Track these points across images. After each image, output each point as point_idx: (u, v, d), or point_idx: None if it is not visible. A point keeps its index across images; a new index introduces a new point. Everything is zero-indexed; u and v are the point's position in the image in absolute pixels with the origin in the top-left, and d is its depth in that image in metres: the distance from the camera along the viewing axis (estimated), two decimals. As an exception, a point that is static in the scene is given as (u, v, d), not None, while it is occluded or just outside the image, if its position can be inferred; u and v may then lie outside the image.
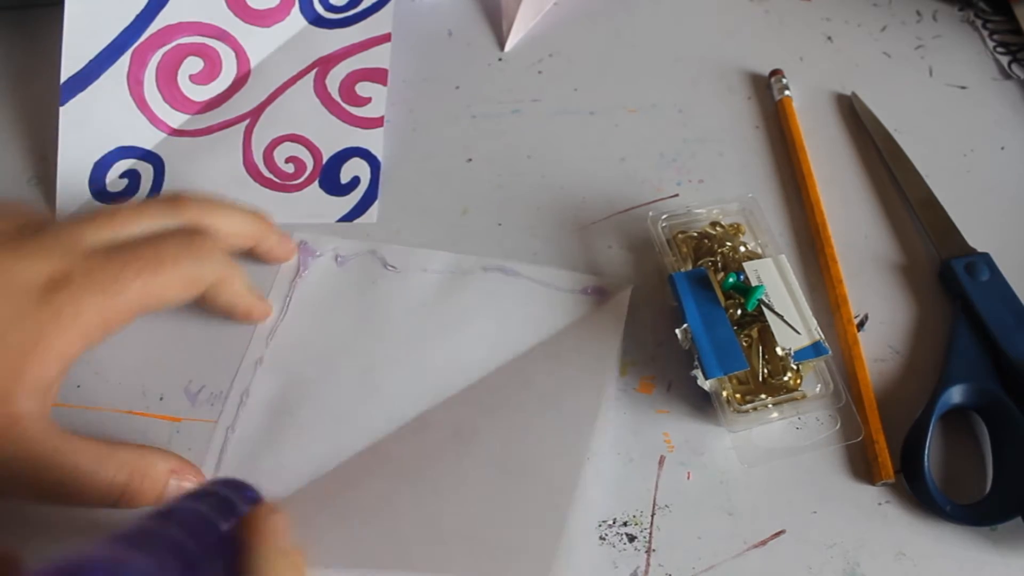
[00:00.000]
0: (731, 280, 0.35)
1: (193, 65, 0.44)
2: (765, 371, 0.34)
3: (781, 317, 0.34)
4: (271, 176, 0.42)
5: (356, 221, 0.41)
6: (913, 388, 0.35)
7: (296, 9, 0.45)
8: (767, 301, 0.34)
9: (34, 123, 0.45)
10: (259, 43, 0.45)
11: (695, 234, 0.38)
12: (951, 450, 0.34)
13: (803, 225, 0.41)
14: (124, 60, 0.42)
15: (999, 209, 0.41)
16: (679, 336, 0.34)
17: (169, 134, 0.43)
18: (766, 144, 0.44)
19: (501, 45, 0.48)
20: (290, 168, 0.43)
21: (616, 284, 0.39)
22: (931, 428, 0.33)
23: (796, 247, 0.40)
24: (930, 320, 0.38)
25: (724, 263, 0.36)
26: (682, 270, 0.36)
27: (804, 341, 0.33)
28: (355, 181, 0.42)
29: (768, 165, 0.43)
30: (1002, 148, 0.44)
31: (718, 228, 0.38)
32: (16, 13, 0.49)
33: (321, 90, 0.44)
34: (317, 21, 0.46)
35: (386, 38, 0.45)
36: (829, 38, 0.49)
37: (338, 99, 0.44)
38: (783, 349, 0.33)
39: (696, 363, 0.33)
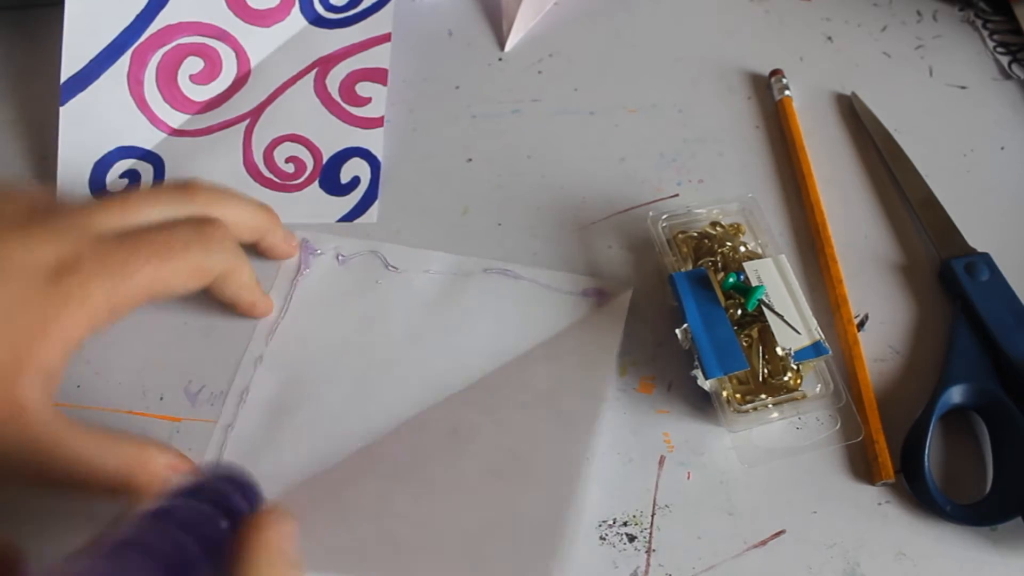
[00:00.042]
0: (731, 280, 0.35)
1: (193, 65, 0.44)
2: (765, 371, 0.34)
3: (781, 317, 0.34)
4: (271, 176, 0.42)
5: (356, 221, 0.41)
6: (913, 388, 0.35)
7: (296, 9, 0.45)
8: (767, 301, 0.34)
9: (34, 123, 0.45)
10: (259, 43, 0.45)
11: (695, 234, 0.38)
12: (951, 450, 0.34)
13: (803, 225, 0.41)
14: (124, 60, 0.42)
15: (999, 209, 0.41)
16: (679, 336, 0.34)
17: (169, 134, 0.43)
18: (766, 144, 0.44)
19: (501, 45, 0.48)
20: (290, 168, 0.43)
21: (616, 286, 0.39)
22: (931, 428, 0.33)
23: (796, 247, 0.40)
24: (930, 320, 0.38)
25: (724, 263, 0.36)
26: (682, 270, 0.36)
27: (804, 341, 0.33)
28: (355, 181, 0.42)
29: (768, 165, 0.43)
30: (1002, 148, 0.44)
31: (718, 228, 0.38)
32: (16, 13, 0.49)
33: (321, 90, 0.44)
34: (317, 21, 0.46)
35: (386, 38, 0.45)
36: (829, 38, 0.49)
37: (338, 99, 0.44)
38: (783, 349, 0.33)
39: (696, 363, 0.33)
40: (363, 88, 0.44)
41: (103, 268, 0.29)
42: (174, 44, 0.43)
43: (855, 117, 0.45)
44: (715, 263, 0.36)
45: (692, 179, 0.43)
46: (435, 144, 0.44)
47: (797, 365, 0.34)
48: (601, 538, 0.32)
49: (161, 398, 0.36)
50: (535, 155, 0.44)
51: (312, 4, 0.46)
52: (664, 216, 0.38)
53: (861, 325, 0.38)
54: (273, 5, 0.45)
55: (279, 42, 0.45)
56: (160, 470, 0.30)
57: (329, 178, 0.42)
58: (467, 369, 0.36)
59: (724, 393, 0.33)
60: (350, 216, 0.41)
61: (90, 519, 0.31)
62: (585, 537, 0.32)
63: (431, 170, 0.43)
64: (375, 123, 0.43)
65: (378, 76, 0.44)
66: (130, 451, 0.29)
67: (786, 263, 0.35)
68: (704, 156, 0.44)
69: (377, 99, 0.44)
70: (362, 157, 0.43)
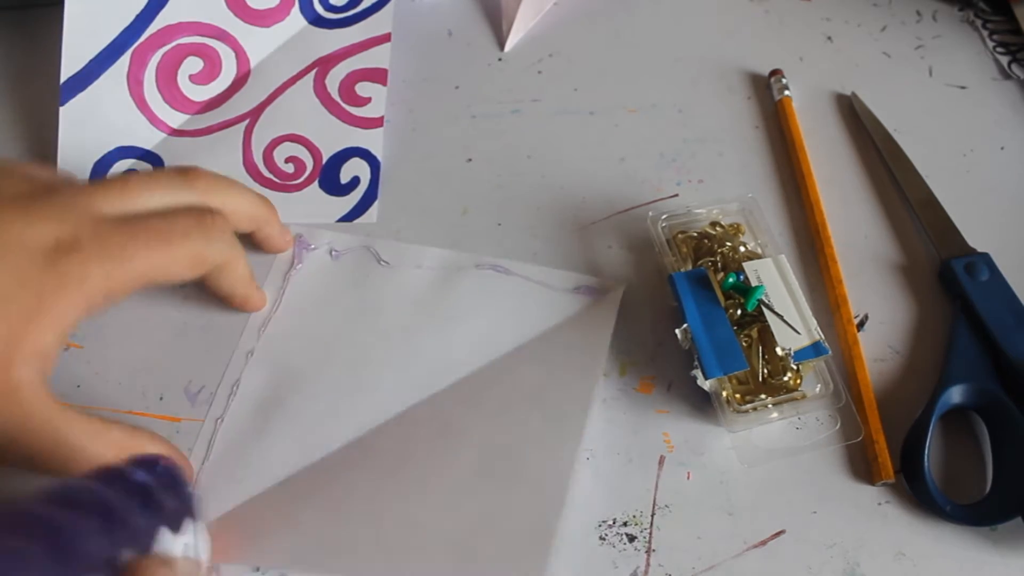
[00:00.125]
0: (731, 280, 0.35)
1: (193, 65, 0.44)
2: (765, 371, 0.34)
3: (781, 317, 0.34)
4: (271, 176, 0.42)
5: (356, 221, 0.41)
6: (913, 388, 0.35)
7: (296, 9, 0.45)
8: (767, 301, 0.34)
9: (34, 123, 0.45)
10: (259, 43, 0.45)
11: (695, 234, 0.38)
12: (951, 450, 0.34)
13: (803, 225, 0.41)
14: (124, 60, 0.42)
15: (999, 209, 0.41)
16: (679, 336, 0.34)
17: (169, 134, 0.43)
18: (766, 144, 0.44)
19: (501, 45, 0.48)
20: (290, 168, 0.43)
21: (608, 283, 0.39)
22: (931, 428, 0.33)
23: (796, 247, 0.40)
24: (930, 320, 0.38)
25: (724, 263, 0.36)
26: (682, 270, 0.36)
27: (804, 341, 0.33)
28: (355, 181, 0.42)
29: (768, 165, 0.43)
30: (1002, 148, 0.44)
31: (718, 228, 0.38)
32: (16, 13, 0.49)
33: (321, 90, 0.44)
34: (317, 21, 0.46)
35: (386, 38, 0.45)
36: (829, 38, 0.49)
37: (338, 99, 0.44)
38: (783, 349, 0.33)
39: (696, 363, 0.33)
40: (363, 88, 0.44)
41: (102, 250, 0.29)
42: (174, 44, 0.43)
43: (855, 117, 0.45)
44: (715, 263, 0.36)
45: (692, 179, 0.43)
46: (435, 144, 0.44)
47: (797, 365, 0.34)
48: (601, 538, 0.32)
49: (161, 398, 0.36)
50: (535, 155, 0.44)
51: (312, 4, 0.46)
52: (664, 216, 0.38)
53: (861, 325, 0.38)
54: (273, 5, 0.45)
55: (279, 42, 0.45)
56: None
57: (329, 178, 0.42)
58: (457, 365, 0.36)
59: (724, 393, 0.33)
60: (350, 216, 0.41)
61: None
62: (585, 537, 0.32)
63: (431, 170, 0.43)
64: (375, 123, 0.43)
65: (378, 76, 0.44)
66: (121, 437, 0.29)
67: (786, 263, 0.35)
68: (704, 156, 0.44)
69: (377, 99, 0.44)
70: (362, 157, 0.43)
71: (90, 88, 0.42)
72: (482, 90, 0.46)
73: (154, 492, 0.25)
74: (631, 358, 0.37)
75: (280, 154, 0.43)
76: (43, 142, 0.43)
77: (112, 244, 0.29)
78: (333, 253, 0.40)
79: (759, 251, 0.37)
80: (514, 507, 0.32)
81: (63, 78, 0.41)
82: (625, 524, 0.32)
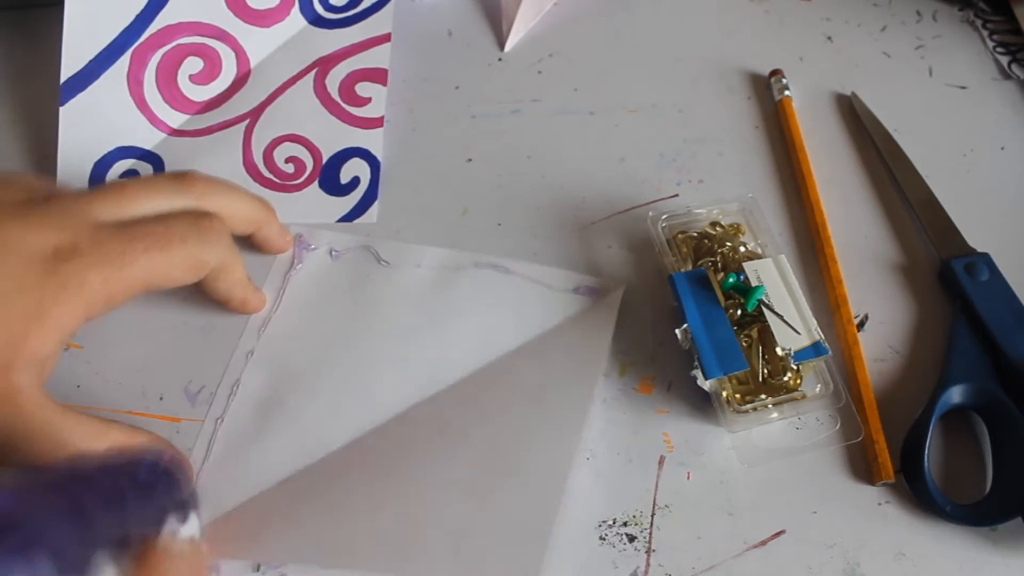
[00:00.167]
0: (731, 280, 0.35)
1: (193, 65, 0.44)
2: (765, 371, 0.34)
3: (781, 317, 0.34)
4: (271, 176, 0.42)
5: (356, 221, 0.41)
6: (913, 388, 0.35)
7: (296, 9, 0.45)
8: (767, 301, 0.34)
9: (34, 123, 0.45)
10: (259, 43, 0.45)
11: (695, 234, 0.38)
12: (951, 450, 0.34)
13: (803, 225, 0.41)
14: (124, 60, 0.42)
15: (999, 209, 0.41)
16: (679, 336, 0.34)
17: (169, 134, 0.43)
18: (766, 144, 0.44)
19: (501, 45, 0.48)
20: (290, 168, 0.43)
21: (608, 284, 0.39)
22: (931, 428, 0.33)
23: (796, 247, 0.40)
24: (930, 320, 0.38)
25: (724, 263, 0.36)
26: (682, 270, 0.36)
27: (804, 341, 0.33)
28: (355, 181, 0.42)
29: (768, 165, 0.43)
30: (1002, 148, 0.44)
31: (718, 228, 0.38)
32: (16, 13, 0.49)
33: (321, 90, 0.44)
34: (317, 21, 0.46)
35: (386, 38, 0.45)
36: (829, 38, 0.49)
37: (338, 99, 0.44)
38: (783, 349, 0.33)
39: (696, 363, 0.33)
40: (363, 88, 0.44)
41: (100, 256, 0.29)
42: (174, 44, 0.43)
43: (855, 117, 0.45)
44: (715, 263, 0.36)
45: (692, 179, 0.43)
46: (435, 144, 0.44)
47: (797, 365, 0.34)
48: (601, 538, 0.32)
49: (161, 398, 0.36)
50: (535, 155, 0.44)
51: (312, 4, 0.46)
52: (664, 216, 0.38)
53: (861, 325, 0.38)
54: (273, 5, 0.45)
55: (279, 42, 0.45)
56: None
57: (329, 178, 0.42)
58: (457, 365, 0.36)
59: (724, 393, 0.33)
60: (350, 216, 0.41)
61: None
62: (585, 537, 0.32)
63: (431, 170, 0.43)
64: (375, 123, 0.43)
65: (378, 76, 0.44)
66: (119, 437, 0.30)
67: (786, 263, 0.35)
68: (704, 156, 0.44)
69: (377, 99, 0.44)
70: (362, 157, 0.43)
71: (90, 88, 0.42)
72: (482, 90, 0.46)
73: (159, 484, 0.25)
74: (631, 358, 0.37)
75: (280, 154, 0.43)
76: (43, 142, 0.43)
77: (110, 250, 0.29)
78: (333, 253, 0.40)
79: (759, 251, 0.37)
80: (511, 507, 0.32)
81: (63, 78, 0.41)
82: (625, 524, 0.32)
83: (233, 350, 0.37)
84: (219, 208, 0.34)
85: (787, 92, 0.45)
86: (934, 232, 0.40)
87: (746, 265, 0.35)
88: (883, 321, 0.38)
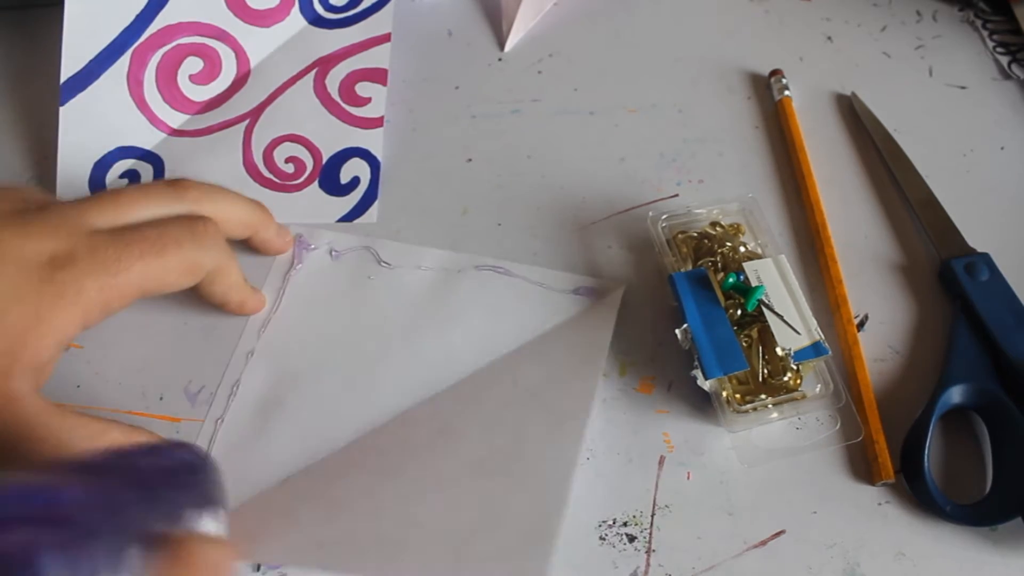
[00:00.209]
0: (731, 280, 0.35)
1: (193, 65, 0.44)
2: (765, 371, 0.34)
3: (781, 317, 0.34)
4: (271, 176, 0.42)
5: (356, 221, 0.41)
6: (913, 388, 0.35)
7: (296, 9, 0.45)
8: (767, 301, 0.34)
9: (34, 123, 0.45)
10: (259, 43, 0.45)
11: (695, 234, 0.38)
12: (951, 450, 0.34)
13: (803, 225, 0.41)
14: (124, 60, 0.42)
15: (999, 209, 0.41)
16: (679, 336, 0.34)
17: (169, 134, 0.43)
18: (766, 144, 0.44)
19: (501, 45, 0.48)
20: (290, 168, 0.43)
21: (608, 284, 0.39)
22: (931, 428, 0.33)
23: (796, 247, 0.40)
24: (930, 320, 0.38)
25: (724, 263, 0.36)
26: (682, 270, 0.36)
27: (804, 341, 0.33)
28: (355, 181, 0.42)
29: (768, 165, 0.43)
30: (1002, 148, 0.44)
31: (718, 228, 0.38)
32: (16, 13, 0.49)
33: (321, 90, 0.44)
34: (317, 21, 0.46)
35: (386, 38, 0.45)
36: (829, 38, 0.49)
37: (338, 99, 0.44)
38: (783, 349, 0.33)
39: (696, 363, 0.33)
40: (363, 88, 0.44)
41: (97, 264, 0.29)
42: (174, 44, 0.43)
43: (855, 117, 0.45)
44: (715, 263, 0.36)
45: (692, 179, 0.43)
46: (435, 144, 0.44)
47: (797, 365, 0.34)
48: (601, 538, 0.32)
49: (161, 398, 0.36)
50: (535, 155, 0.44)
51: (312, 4, 0.46)
52: (664, 216, 0.38)
53: (861, 325, 0.38)
54: (273, 5, 0.45)
55: (279, 42, 0.45)
56: None
57: (329, 178, 0.42)
58: (457, 365, 0.36)
59: (724, 393, 0.33)
60: (350, 216, 0.41)
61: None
62: (585, 537, 0.32)
63: (431, 170, 0.43)
64: (375, 123, 0.43)
65: (378, 76, 0.44)
66: (118, 438, 0.30)
67: (786, 263, 0.35)
68: (704, 156, 0.44)
69: (377, 99, 0.44)
70: (362, 157, 0.43)
71: (90, 88, 0.42)
72: (482, 90, 0.46)
73: (186, 472, 0.25)
74: (631, 358, 0.37)
75: (280, 154, 0.43)
76: (43, 142, 0.43)
77: (106, 257, 0.30)
78: (333, 253, 0.40)
79: (759, 251, 0.37)
80: (515, 508, 0.32)
81: (63, 78, 0.41)
82: (625, 524, 0.32)
83: (233, 350, 0.37)
84: (214, 213, 0.34)
85: (787, 92, 0.45)
86: (934, 232, 0.40)
87: (746, 265, 0.35)
88: (883, 321, 0.38)
